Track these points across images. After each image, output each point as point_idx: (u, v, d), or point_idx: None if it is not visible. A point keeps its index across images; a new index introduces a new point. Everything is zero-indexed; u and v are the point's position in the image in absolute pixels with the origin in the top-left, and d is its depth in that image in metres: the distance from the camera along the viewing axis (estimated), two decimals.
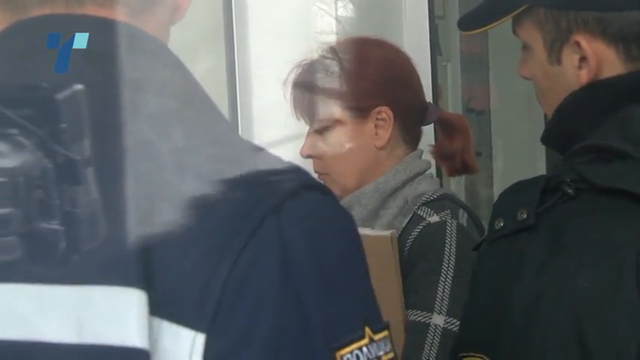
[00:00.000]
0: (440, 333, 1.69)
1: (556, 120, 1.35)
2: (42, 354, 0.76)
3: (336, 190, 1.76)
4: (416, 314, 1.71)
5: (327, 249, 0.80)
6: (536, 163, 4.33)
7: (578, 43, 1.30)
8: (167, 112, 0.84)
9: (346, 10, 2.52)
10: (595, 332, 1.11)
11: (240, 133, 2.39)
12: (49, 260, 0.77)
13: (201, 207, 0.76)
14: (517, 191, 1.26)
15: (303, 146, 1.88)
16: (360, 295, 0.81)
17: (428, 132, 1.98)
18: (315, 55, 1.88)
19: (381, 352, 0.79)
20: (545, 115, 1.42)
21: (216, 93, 2.34)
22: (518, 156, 4.53)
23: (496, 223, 1.23)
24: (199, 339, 0.74)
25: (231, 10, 2.43)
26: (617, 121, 1.26)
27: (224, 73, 2.44)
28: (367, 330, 0.79)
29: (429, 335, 1.69)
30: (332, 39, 2.40)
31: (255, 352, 0.74)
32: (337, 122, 1.84)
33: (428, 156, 1.95)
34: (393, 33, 2.71)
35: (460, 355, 1.21)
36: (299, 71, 1.87)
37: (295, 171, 0.83)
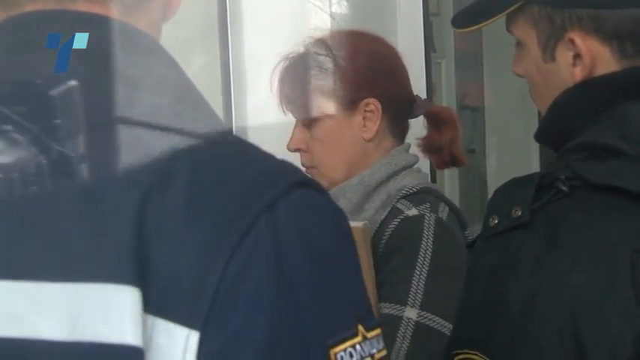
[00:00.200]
0: (412, 326, 1.68)
1: (550, 117, 1.35)
2: (36, 351, 0.75)
3: (323, 182, 1.75)
4: (389, 307, 1.70)
5: (321, 247, 0.80)
6: (530, 161, 4.34)
7: (572, 41, 1.30)
8: (161, 110, 0.83)
9: (340, 7, 2.52)
10: (590, 329, 1.11)
11: (234, 129, 2.39)
12: (43, 253, 0.77)
13: (195, 204, 0.76)
14: (511, 188, 1.26)
15: (291, 139, 1.87)
16: (353, 293, 0.81)
17: (419, 126, 1.97)
18: (303, 48, 1.87)
19: (374, 350, 0.80)
20: (539, 113, 1.42)
21: (211, 90, 2.34)
22: (512, 153, 4.54)
23: (490, 220, 1.23)
24: (193, 337, 0.74)
25: (226, 6, 2.43)
26: (612, 118, 1.26)
27: (218, 70, 2.44)
28: (360, 328, 0.79)
29: (401, 328, 1.67)
30: None
31: (249, 350, 0.74)
32: (325, 115, 1.83)
33: (416, 149, 1.94)
34: (388, 30, 2.71)
35: (455, 352, 1.21)
36: (286, 64, 1.86)
37: (289, 168, 0.83)
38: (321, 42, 1.86)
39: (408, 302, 1.69)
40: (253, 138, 2.32)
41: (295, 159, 1.84)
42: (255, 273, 0.75)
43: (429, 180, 1.99)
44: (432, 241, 1.73)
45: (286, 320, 0.75)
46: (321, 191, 0.83)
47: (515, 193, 1.23)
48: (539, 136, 1.39)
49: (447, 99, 4.24)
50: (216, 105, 2.31)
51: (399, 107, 1.89)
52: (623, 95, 1.27)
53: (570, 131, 1.29)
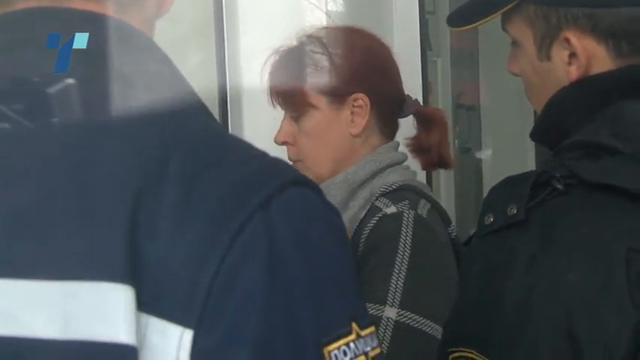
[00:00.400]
0: (392, 326, 1.66)
1: (545, 116, 1.35)
2: (29, 350, 0.75)
3: (309, 177, 1.74)
4: (368, 307, 1.66)
5: (315, 245, 0.80)
6: (525, 159, 4.34)
7: (567, 40, 1.30)
8: (155, 107, 0.83)
9: (336, 5, 2.52)
10: (585, 327, 1.11)
11: (229, 127, 2.39)
12: (36, 252, 0.77)
13: (189, 202, 0.76)
14: (507, 187, 1.26)
15: (278, 132, 1.86)
16: (346, 291, 0.81)
17: (410, 126, 1.97)
18: (294, 42, 1.86)
19: (368, 348, 0.80)
20: (535, 111, 1.42)
21: (206, 87, 2.34)
22: (507, 151, 4.54)
23: (486, 218, 1.23)
24: (187, 335, 0.74)
25: (222, 3, 2.43)
26: (607, 117, 1.26)
27: (214, 67, 2.44)
28: (354, 325, 0.79)
29: (380, 328, 1.66)
30: None
31: (243, 348, 0.74)
32: (312, 108, 1.82)
33: (405, 150, 1.93)
34: (384, 28, 2.71)
35: (449, 350, 1.21)
36: (277, 58, 1.86)
37: (283, 166, 0.83)
38: (313, 37, 1.86)
39: (387, 301, 1.67)
40: (249, 135, 2.33)
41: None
42: (249, 271, 0.75)
43: (423, 178, 1.98)
44: (411, 239, 1.71)
45: (280, 318, 0.75)
46: (316, 190, 0.83)
47: (510, 192, 1.23)
48: (535, 135, 1.39)
49: (442, 97, 4.25)
50: (212, 102, 2.31)
51: (388, 105, 1.88)
52: (618, 94, 1.27)
53: (566, 130, 1.29)
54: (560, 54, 1.31)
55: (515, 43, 1.39)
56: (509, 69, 1.42)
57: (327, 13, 2.38)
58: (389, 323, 1.66)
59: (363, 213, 1.78)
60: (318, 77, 1.82)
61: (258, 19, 2.42)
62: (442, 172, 3.82)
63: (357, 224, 1.76)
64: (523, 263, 1.17)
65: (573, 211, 1.19)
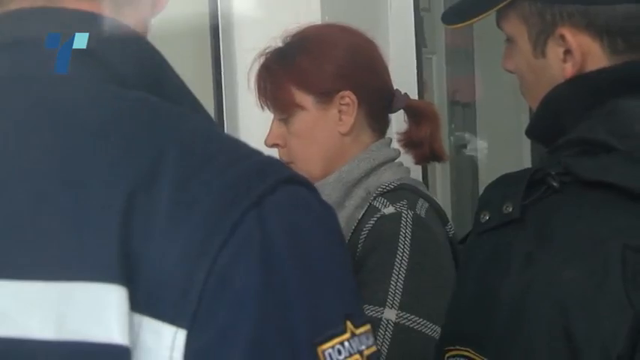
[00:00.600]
0: (392, 328, 1.66)
1: (541, 113, 1.35)
2: (22, 350, 0.75)
3: None
4: (367, 309, 1.67)
5: (309, 243, 0.79)
6: (521, 156, 4.34)
7: (563, 37, 1.30)
8: (148, 106, 0.83)
9: (331, 3, 2.52)
10: (581, 325, 1.11)
11: (225, 125, 2.39)
12: (29, 252, 0.76)
13: (182, 202, 0.76)
14: (502, 184, 1.26)
15: (268, 135, 1.85)
16: (341, 290, 0.81)
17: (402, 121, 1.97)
18: (279, 42, 1.85)
19: (363, 347, 0.79)
20: (530, 108, 1.42)
21: (201, 85, 2.34)
22: (503, 148, 4.54)
23: (482, 216, 1.22)
24: (180, 335, 0.74)
25: (217, 1, 2.43)
26: (602, 114, 1.26)
27: (209, 65, 2.43)
28: (349, 324, 0.79)
29: (380, 330, 1.66)
30: None
31: (236, 348, 0.74)
32: (300, 109, 1.81)
33: (397, 145, 1.93)
34: (379, 25, 2.71)
35: (446, 348, 1.21)
36: (262, 59, 1.85)
37: (277, 165, 0.83)
38: (297, 36, 1.84)
39: (387, 303, 1.67)
40: (244, 134, 2.33)
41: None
42: (242, 271, 0.75)
43: (418, 175, 1.97)
44: (410, 240, 1.71)
45: (273, 318, 0.75)
46: (310, 188, 0.83)
47: (506, 190, 1.23)
48: (531, 133, 1.39)
49: (438, 95, 4.25)
50: (207, 101, 2.31)
51: (376, 100, 1.86)
52: (613, 91, 1.27)
53: (561, 127, 1.29)
54: (555, 51, 1.31)
55: (509, 40, 1.38)
56: (503, 66, 1.42)
57: (322, 11, 2.37)
58: (389, 325, 1.66)
59: (361, 213, 1.77)
60: (303, 78, 1.80)
61: (253, 17, 2.42)
62: (438, 169, 3.83)
63: (354, 224, 1.75)
64: (519, 261, 1.17)
65: (569, 208, 1.19)
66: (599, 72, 1.29)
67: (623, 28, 1.29)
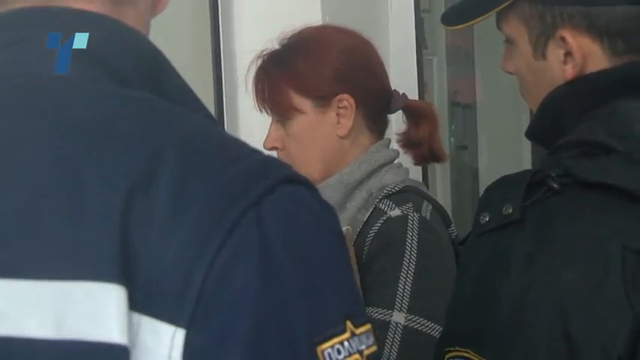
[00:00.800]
0: (401, 331, 1.66)
1: (541, 115, 1.35)
2: (21, 349, 0.75)
3: None
4: (376, 312, 1.67)
5: (309, 243, 0.79)
6: (522, 157, 4.34)
7: (563, 38, 1.30)
8: (148, 105, 0.83)
9: (332, 4, 2.52)
10: (581, 326, 1.11)
11: (225, 124, 2.38)
12: (27, 252, 0.76)
13: (181, 201, 0.76)
14: (502, 186, 1.26)
15: (266, 138, 1.84)
16: (341, 289, 0.81)
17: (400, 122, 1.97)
18: (276, 45, 1.85)
19: (363, 346, 0.79)
20: (531, 110, 1.42)
21: (202, 84, 2.34)
22: (504, 150, 4.54)
23: (481, 217, 1.22)
24: (179, 334, 0.74)
25: (217, 1, 2.43)
26: (602, 115, 1.26)
27: (210, 65, 2.43)
28: (348, 324, 0.79)
29: (389, 334, 1.66)
30: None
31: (235, 347, 0.74)
32: (298, 112, 1.81)
33: (396, 145, 1.92)
34: (379, 26, 2.71)
35: (445, 349, 1.21)
36: (259, 62, 1.84)
37: (277, 164, 0.83)
38: (293, 38, 1.84)
39: (395, 306, 1.67)
40: (244, 133, 2.32)
41: None
42: (241, 271, 0.75)
43: (418, 176, 1.97)
44: (417, 242, 1.71)
45: (272, 318, 0.75)
46: (310, 188, 0.83)
47: (506, 191, 1.23)
48: (531, 134, 1.39)
49: (438, 96, 4.24)
50: (208, 102, 2.31)
51: (374, 102, 1.86)
52: (613, 92, 1.27)
53: (561, 129, 1.29)
54: (555, 53, 1.31)
55: (509, 42, 1.38)
56: (503, 67, 1.42)
57: (323, 12, 2.37)
58: (397, 328, 1.66)
59: (366, 215, 1.77)
60: (301, 81, 1.80)
61: (254, 16, 2.42)
62: (438, 170, 3.83)
63: (359, 227, 1.75)
64: (519, 262, 1.17)
65: (569, 210, 1.19)
66: (600, 73, 1.29)
67: (624, 29, 1.29)
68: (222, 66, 2.43)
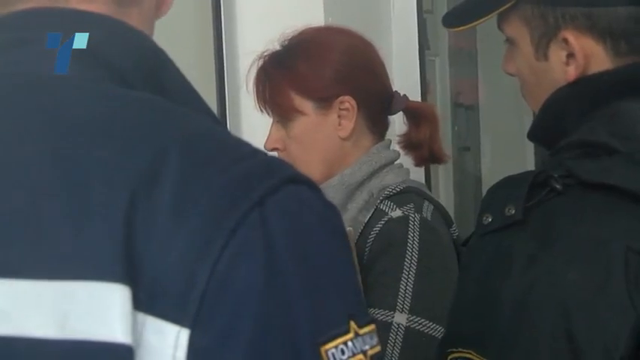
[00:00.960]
0: (402, 332, 1.66)
1: (543, 116, 1.35)
2: (24, 349, 0.75)
3: None
4: (377, 313, 1.67)
5: (312, 243, 0.79)
6: (524, 159, 4.34)
7: (565, 40, 1.30)
8: (151, 105, 0.83)
9: (334, 4, 2.52)
10: (583, 326, 1.11)
11: (228, 124, 2.38)
12: (30, 251, 0.76)
13: (184, 201, 0.76)
14: (505, 186, 1.26)
15: (267, 139, 1.85)
16: (345, 289, 0.81)
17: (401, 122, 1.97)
18: (277, 46, 1.85)
19: (367, 347, 0.79)
20: (534, 111, 1.42)
21: (204, 85, 2.34)
22: (506, 151, 4.53)
23: (484, 218, 1.22)
24: (183, 334, 0.74)
25: (220, 2, 2.43)
26: (604, 116, 1.26)
27: (212, 65, 2.43)
28: (352, 324, 0.79)
29: (391, 334, 1.66)
30: None
31: (239, 347, 0.74)
32: (299, 113, 1.81)
33: (397, 147, 1.92)
34: (382, 27, 2.71)
35: (448, 350, 1.21)
36: (260, 62, 1.84)
37: (280, 164, 0.83)
38: (294, 39, 1.84)
39: (397, 307, 1.67)
40: (247, 133, 2.32)
41: None
42: (244, 270, 0.75)
43: (421, 177, 1.96)
44: (418, 243, 1.71)
45: (275, 317, 0.75)
46: (313, 188, 0.83)
47: (508, 192, 1.23)
48: (532, 135, 1.38)
49: (441, 97, 4.24)
50: (210, 100, 2.31)
51: (376, 103, 1.86)
52: (615, 93, 1.27)
53: (563, 130, 1.29)
54: (557, 54, 1.31)
55: (510, 43, 1.38)
56: (504, 69, 1.42)
57: (326, 14, 2.37)
58: (399, 329, 1.66)
59: (367, 216, 1.77)
60: (302, 83, 1.80)
61: (256, 17, 2.42)
62: (441, 171, 3.82)
63: (361, 228, 1.75)
64: (521, 263, 1.17)
65: (571, 211, 1.19)
66: (602, 74, 1.29)
67: (626, 30, 1.29)
68: (225, 66, 2.43)
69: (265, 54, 1.84)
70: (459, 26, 1.45)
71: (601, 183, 1.18)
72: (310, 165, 1.79)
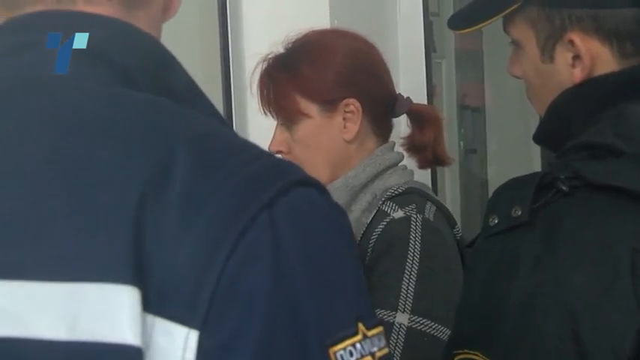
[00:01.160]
0: (404, 332, 1.66)
1: (549, 118, 1.35)
2: (33, 351, 0.75)
3: None
4: (379, 313, 1.67)
5: (320, 245, 0.79)
6: (531, 161, 4.33)
7: (572, 41, 1.30)
8: (159, 107, 0.83)
9: (340, 7, 2.52)
10: (590, 328, 1.11)
11: (234, 125, 2.39)
12: (40, 253, 0.77)
13: (194, 203, 0.76)
14: (511, 188, 1.25)
15: (272, 141, 1.85)
16: (352, 292, 0.81)
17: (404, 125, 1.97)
18: (281, 48, 1.85)
19: (375, 349, 0.79)
20: (539, 114, 1.41)
21: (210, 86, 2.34)
22: (513, 153, 4.53)
23: (490, 219, 1.22)
24: (192, 336, 0.74)
25: (225, 2, 2.43)
26: (611, 118, 1.26)
27: (218, 66, 2.44)
28: (360, 326, 0.79)
29: (393, 335, 1.66)
30: None
31: (248, 348, 0.74)
32: (304, 116, 1.81)
33: (400, 149, 1.92)
34: (388, 30, 2.71)
35: (454, 352, 1.21)
36: (265, 65, 1.85)
37: (289, 167, 0.83)
38: (298, 42, 1.84)
39: (399, 307, 1.67)
40: (253, 135, 2.32)
41: None
42: (253, 272, 0.75)
43: (427, 179, 1.96)
44: (420, 243, 1.71)
45: (284, 320, 0.75)
46: (322, 190, 0.83)
47: (515, 193, 1.23)
48: (538, 138, 1.38)
49: (447, 99, 4.24)
50: (217, 101, 2.31)
51: (380, 106, 1.86)
52: (622, 95, 1.27)
53: (569, 132, 1.29)
54: (563, 56, 1.31)
55: (516, 45, 1.38)
56: (509, 71, 1.42)
57: (331, 16, 2.37)
58: (401, 329, 1.66)
59: (369, 217, 1.77)
60: (307, 86, 1.80)
61: (262, 18, 2.42)
62: (447, 173, 3.82)
63: (363, 229, 1.75)
64: (527, 265, 1.17)
65: (578, 212, 1.19)
66: (608, 76, 1.29)
67: (632, 31, 1.29)
68: (231, 68, 2.43)
69: (269, 57, 1.84)
70: (465, 28, 1.45)
71: (608, 185, 1.18)
72: (315, 167, 1.79)
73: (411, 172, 1.89)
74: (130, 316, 0.74)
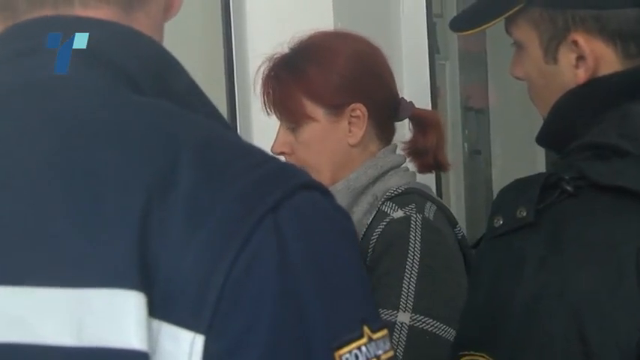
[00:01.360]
0: (406, 331, 1.66)
1: (552, 119, 1.34)
2: (39, 357, 0.75)
3: None
4: (381, 313, 1.66)
5: (325, 249, 0.79)
6: (535, 161, 4.34)
7: (575, 42, 1.29)
8: (163, 111, 0.83)
9: (344, 8, 2.52)
10: (596, 328, 1.11)
11: (238, 128, 2.39)
12: (45, 259, 0.76)
13: (199, 207, 0.76)
14: (516, 189, 1.25)
15: (275, 142, 1.84)
16: (358, 295, 0.81)
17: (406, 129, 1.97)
18: (286, 49, 1.85)
19: (380, 352, 0.79)
20: (543, 115, 1.41)
21: (214, 88, 2.34)
22: (517, 154, 4.54)
23: (495, 220, 1.22)
24: (198, 340, 0.74)
25: (229, 3, 2.43)
26: (614, 118, 1.26)
27: (222, 68, 2.44)
28: (366, 329, 0.79)
29: (394, 334, 1.66)
30: None
31: (253, 352, 0.74)
32: (310, 119, 1.81)
33: (401, 153, 1.93)
34: (391, 31, 2.71)
35: (460, 353, 1.21)
36: (270, 65, 1.84)
37: (293, 170, 0.83)
38: (303, 44, 1.84)
39: (400, 307, 1.67)
40: (257, 137, 2.32)
41: None
42: (259, 276, 0.75)
43: (432, 180, 1.96)
44: (420, 243, 1.71)
45: (290, 323, 0.75)
46: (326, 194, 0.83)
47: (519, 194, 1.23)
48: (541, 139, 1.38)
49: (451, 101, 4.24)
50: (220, 103, 2.31)
51: (384, 110, 1.86)
52: (625, 95, 1.27)
53: (573, 132, 1.29)
54: (567, 56, 1.31)
55: (518, 47, 1.38)
56: (512, 73, 1.41)
57: (335, 18, 2.37)
58: (403, 328, 1.66)
59: (370, 218, 1.77)
60: (314, 89, 1.80)
61: (266, 19, 2.42)
62: (452, 174, 3.83)
63: (364, 230, 1.76)
64: (532, 266, 1.16)
65: (583, 213, 1.19)
66: (612, 76, 1.29)
67: (636, 31, 1.29)
68: (235, 69, 2.43)
69: (275, 56, 1.84)
70: (467, 30, 1.45)
71: (612, 185, 1.18)
72: (317, 169, 1.80)
73: (413, 174, 1.89)
74: (136, 321, 0.73)
